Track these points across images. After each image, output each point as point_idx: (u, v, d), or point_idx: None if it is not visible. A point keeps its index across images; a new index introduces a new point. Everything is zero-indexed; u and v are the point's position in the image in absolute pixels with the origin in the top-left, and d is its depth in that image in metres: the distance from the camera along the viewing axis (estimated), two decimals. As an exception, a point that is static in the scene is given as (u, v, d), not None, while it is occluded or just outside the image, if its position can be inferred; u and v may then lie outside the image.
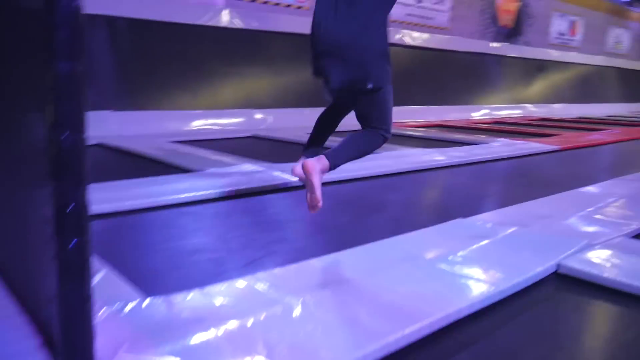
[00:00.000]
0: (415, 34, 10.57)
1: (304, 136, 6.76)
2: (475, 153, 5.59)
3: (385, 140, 2.55)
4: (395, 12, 10.18)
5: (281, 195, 3.61)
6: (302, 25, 9.57)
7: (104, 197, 3.03)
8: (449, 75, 11.23)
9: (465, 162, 5.11)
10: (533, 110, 12.84)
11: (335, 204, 3.29)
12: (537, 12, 13.68)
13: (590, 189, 3.82)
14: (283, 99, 8.18)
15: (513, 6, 12.95)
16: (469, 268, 2.08)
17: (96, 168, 4.49)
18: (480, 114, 11.37)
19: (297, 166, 2.45)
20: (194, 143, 5.95)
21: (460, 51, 11.59)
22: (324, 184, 2.50)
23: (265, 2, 8.23)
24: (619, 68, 17.28)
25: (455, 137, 7.35)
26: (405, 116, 9.62)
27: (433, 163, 4.94)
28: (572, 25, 15.10)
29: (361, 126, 2.57)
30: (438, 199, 4.17)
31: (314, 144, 2.76)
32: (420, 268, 2.08)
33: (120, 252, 2.36)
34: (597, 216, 2.98)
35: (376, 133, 2.51)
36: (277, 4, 8.35)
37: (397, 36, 10.18)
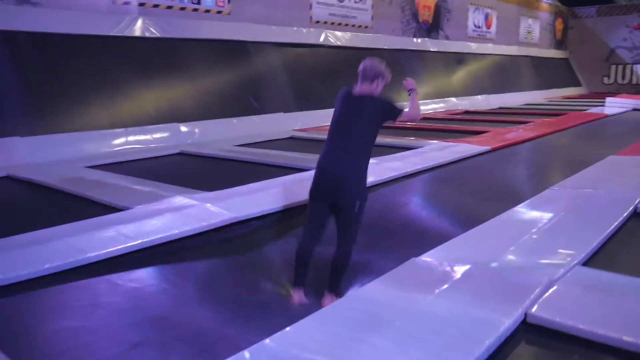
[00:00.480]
0: (339, 34, 10.45)
1: (233, 150, 6.52)
2: (412, 162, 5.51)
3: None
4: (318, 12, 10.01)
5: (219, 238, 3.32)
6: (223, 30, 9.36)
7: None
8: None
9: (401, 175, 4.99)
10: (457, 102, 13.11)
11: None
12: (454, 7, 13.98)
13: (527, 211, 3.71)
14: (209, 110, 7.78)
15: (431, 2, 13.13)
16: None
17: (1, 210, 4.01)
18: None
19: (295, 298, 2.90)
20: (115, 167, 5.49)
21: (384, 48, 11.60)
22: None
23: (182, 9, 7.78)
24: (531, 57, 18.07)
25: (387, 140, 7.28)
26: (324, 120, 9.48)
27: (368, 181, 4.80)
28: (487, 17, 15.58)
29: (339, 234, 2.96)
30: (384, 228, 4.02)
31: (302, 274, 2.99)
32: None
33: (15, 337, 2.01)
34: (544, 242, 2.93)
35: (350, 248, 2.94)
36: (195, 10, 7.92)
37: (321, 37, 10.02)
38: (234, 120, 7.97)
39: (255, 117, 8.30)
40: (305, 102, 9.31)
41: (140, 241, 3.03)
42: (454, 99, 13.15)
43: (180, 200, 3.79)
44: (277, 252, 3.36)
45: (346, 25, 10.68)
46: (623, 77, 20.03)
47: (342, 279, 2.90)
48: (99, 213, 3.51)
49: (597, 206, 3.70)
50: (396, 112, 3.09)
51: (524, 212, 3.69)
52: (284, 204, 3.86)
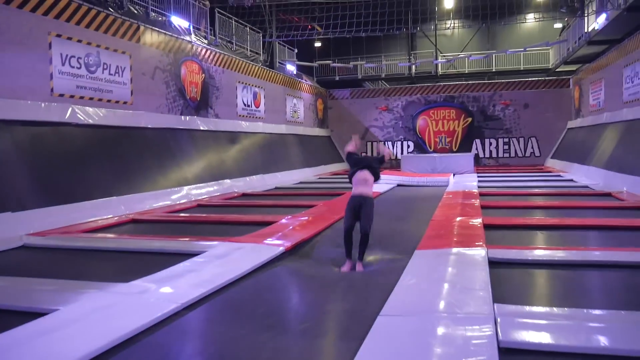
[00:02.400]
0: (90, 110, 8.69)
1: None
2: (186, 284, 4.12)
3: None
4: (61, 84, 8.16)
5: None
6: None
7: None
8: (137, 156, 9.63)
9: (170, 314, 3.54)
10: (232, 184, 12.17)
11: None
12: (222, 84, 13.32)
13: None
14: None
15: (198, 78, 12.23)
16: None
17: None
18: (180, 195, 10.01)
19: (345, 267, 4.92)
20: None
21: (148, 127, 10.16)
22: None
23: None
24: (299, 135, 18.43)
25: (154, 245, 5.77)
26: (86, 214, 7.58)
27: (116, 335, 3.24)
28: (256, 96, 15.33)
29: (360, 219, 5.12)
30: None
31: (350, 250, 5.03)
32: None
33: None
34: None
35: (369, 230, 5.08)
36: None
37: (67, 113, 8.15)
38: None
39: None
40: (45, 195, 7.25)
41: None
42: (228, 181, 12.18)
43: None
44: None
45: (100, 100, 8.98)
46: (378, 154, 21.80)
47: (365, 252, 4.98)
48: None
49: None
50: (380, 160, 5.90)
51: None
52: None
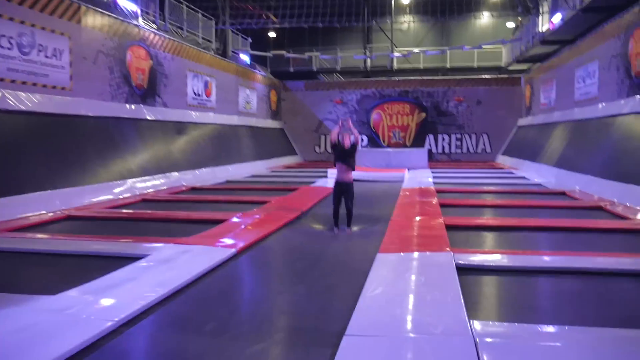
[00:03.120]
0: (23, 95, 7.93)
1: None
2: (128, 294, 3.65)
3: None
4: (-11, 66, 7.37)
5: None
6: None
7: None
8: (76, 146, 8.89)
9: (103, 333, 3.06)
10: (180, 177, 11.55)
11: None
12: (171, 72, 12.62)
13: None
14: None
15: (145, 64, 11.52)
16: None
17: None
18: (123, 189, 9.34)
19: (335, 231, 6.47)
20: None
21: (89, 115, 9.43)
22: None
23: None
24: (252, 127, 17.88)
25: (91, 247, 5.22)
26: (15, 210, 6.89)
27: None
28: (207, 85, 14.69)
29: (345, 199, 6.66)
30: None
31: (337, 222, 6.58)
32: None
33: None
34: None
35: (352, 206, 6.62)
36: None
37: (-4, 99, 7.39)
38: None
39: None
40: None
41: None
42: (176, 174, 11.56)
43: None
44: None
45: (34, 85, 8.21)
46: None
47: (351, 220, 6.51)
48: None
49: None
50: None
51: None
52: None
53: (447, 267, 4.29)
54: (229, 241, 5.47)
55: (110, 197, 8.82)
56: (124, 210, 7.73)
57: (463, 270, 4.27)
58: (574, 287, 4.09)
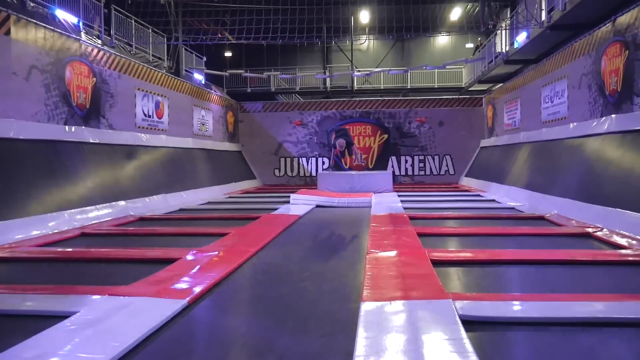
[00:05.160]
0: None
1: None
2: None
3: None
4: None
5: None
6: None
7: None
8: (1, 174, 7.74)
9: None
10: (127, 206, 10.45)
11: None
12: (117, 91, 11.58)
13: None
14: None
15: (88, 82, 10.45)
16: None
17: None
18: (59, 221, 8.20)
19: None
20: None
21: (20, 139, 8.30)
22: None
23: None
24: (207, 150, 16.88)
25: (4, 305, 4.17)
26: None
27: None
28: (159, 106, 13.66)
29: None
30: None
31: None
32: None
33: None
34: None
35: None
36: None
37: None
38: None
39: None
40: None
41: None
42: (123, 202, 10.44)
43: None
44: None
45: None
46: (292, 170, 20.75)
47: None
48: None
49: None
50: None
51: None
52: None
53: (450, 321, 3.48)
54: (179, 287, 4.54)
55: (44, 231, 7.68)
56: (56, 249, 6.63)
57: (469, 324, 3.47)
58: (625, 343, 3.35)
